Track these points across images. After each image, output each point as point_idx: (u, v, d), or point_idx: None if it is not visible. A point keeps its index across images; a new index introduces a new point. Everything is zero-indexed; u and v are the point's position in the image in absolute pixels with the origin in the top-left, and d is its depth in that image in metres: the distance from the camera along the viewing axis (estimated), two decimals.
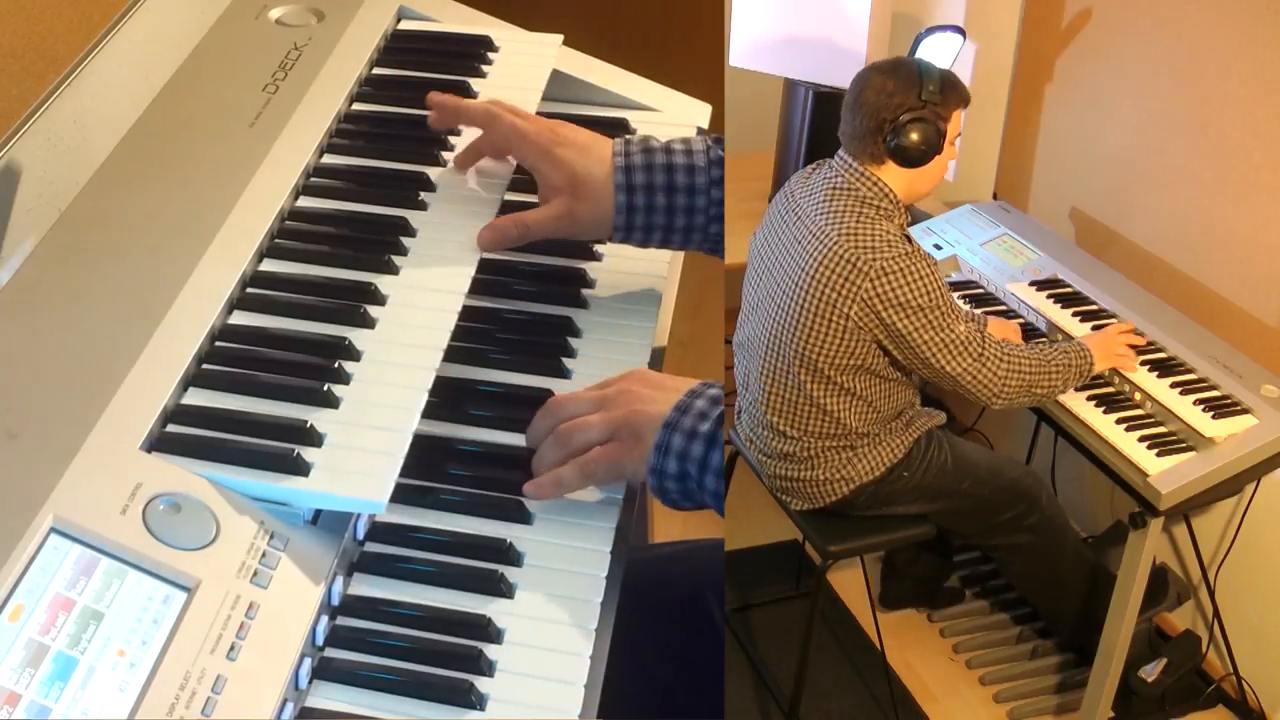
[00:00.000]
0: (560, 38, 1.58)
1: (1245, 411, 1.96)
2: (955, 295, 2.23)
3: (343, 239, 1.28)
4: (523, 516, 1.14)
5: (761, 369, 2.02)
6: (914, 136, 1.87)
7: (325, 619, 1.05)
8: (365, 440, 1.08)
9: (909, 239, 1.91)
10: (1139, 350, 2.09)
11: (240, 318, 1.19)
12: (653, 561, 1.47)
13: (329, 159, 1.38)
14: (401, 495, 1.11)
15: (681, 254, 1.43)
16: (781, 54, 2.56)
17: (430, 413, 1.15)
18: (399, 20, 1.58)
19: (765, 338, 2.00)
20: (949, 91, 1.90)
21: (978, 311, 2.19)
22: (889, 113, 1.87)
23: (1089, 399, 2.03)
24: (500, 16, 1.62)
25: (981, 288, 2.36)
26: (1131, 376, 2.04)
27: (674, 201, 1.28)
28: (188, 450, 1.06)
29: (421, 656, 1.03)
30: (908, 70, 1.89)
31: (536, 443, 1.18)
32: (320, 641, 1.04)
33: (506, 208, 1.34)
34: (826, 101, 2.54)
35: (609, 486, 1.17)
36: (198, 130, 1.35)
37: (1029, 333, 2.20)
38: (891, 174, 1.91)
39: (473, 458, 1.19)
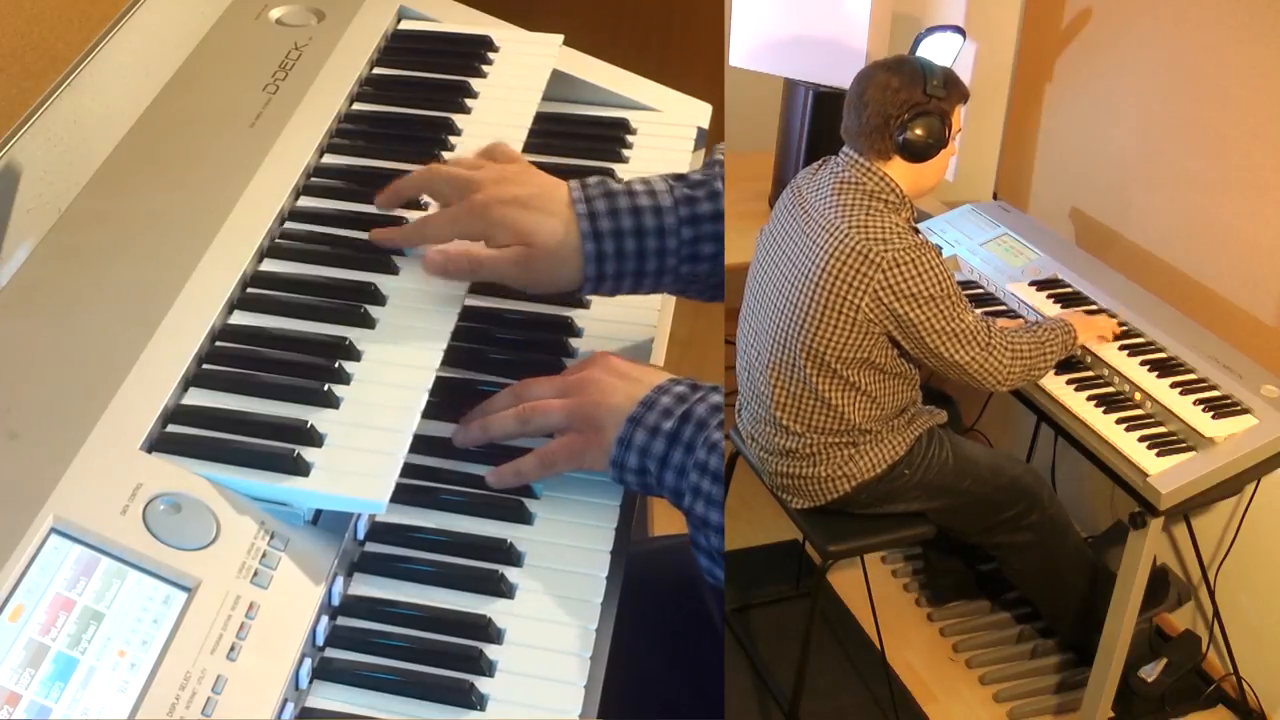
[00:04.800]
0: (560, 38, 1.58)
1: (1245, 411, 1.96)
2: None
3: (343, 239, 1.28)
4: (523, 516, 1.14)
5: (768, 363, 2.02)
6: (922, 131, 1.88)
7: (325, 619, 1.05)
8: (365, 440, 1.08)
9: (916, 231, 1.92)
10: (1137, 349, 2.10)
11: (240, 318, 1.19)
12: (652, 555, 1.47)
13: (329, 159, 1.38)
14: (401, 495, 1.11)
15: None
16: (781, 54, 2.55)
17: (430, 413, 1.15)
18: (399, 20, 1.59)
19: (772, 332, 2.00)
20: (951, 87, 1.91)
21: (981, 312, 2.20)
22: (895, 109, 1.88)
23: (1089, 399, 2.03)
24: (500, 16, 1.62)
25: (981, 288, 2.36)
26: (1131, 376, 2.04)
27: (644, 245, 1.22)
28: (188, 450, 1.06)
29: (421, 656, 1.03)
30: (910, 67, 1.90)
31: (493, 412, 1.19)
32: (320, 641, 1.04)
33: None
34: (826, 101, 2.54)
35: (607, 490, 1.17)
36: (198, 130, 1.35)
37: None
38: (898, 169, 1.92)
39: (473, 458, 1.18)
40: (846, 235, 1.87)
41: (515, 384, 1.21)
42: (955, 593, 2.56)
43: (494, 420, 1.18)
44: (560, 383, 1.19)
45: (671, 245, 1.23)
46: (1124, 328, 2.16)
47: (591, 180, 1.25)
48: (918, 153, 1.90)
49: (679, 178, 1.26)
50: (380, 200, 1.29)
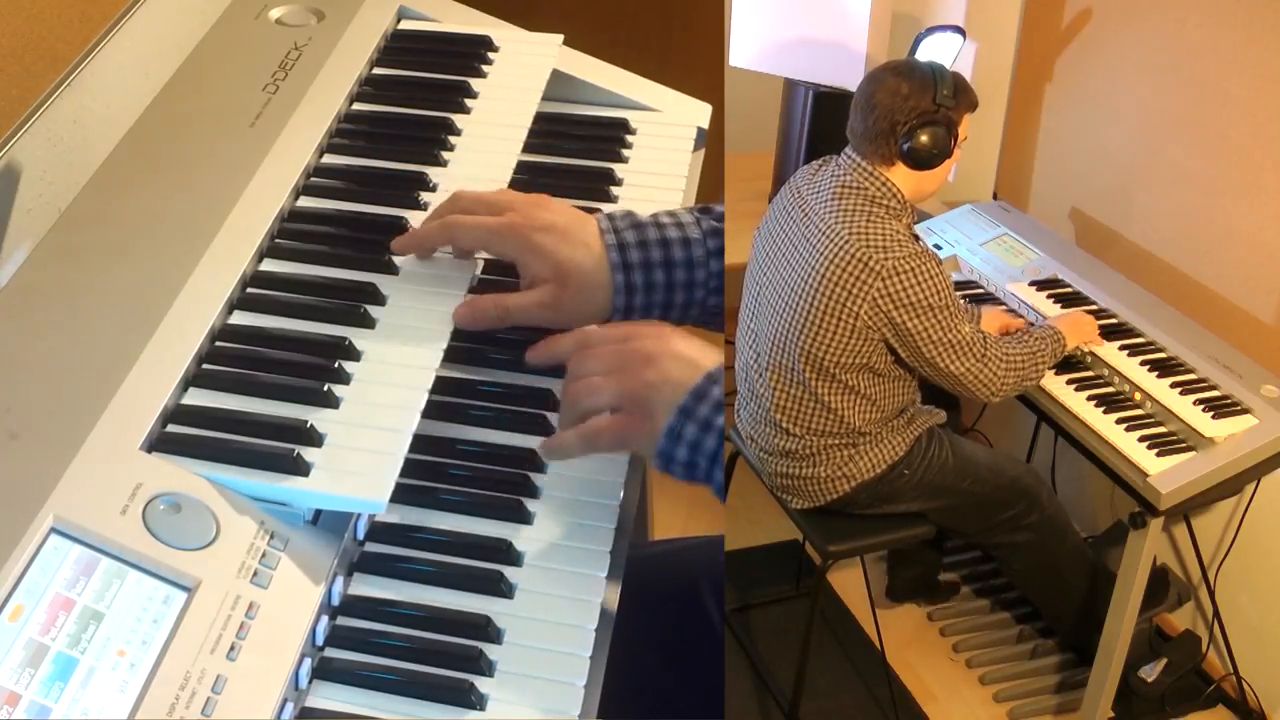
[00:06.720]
0: (560, 38, 1.58)
1: (1245, 411, 1.96)
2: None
3: (343, 239, 1.28)
4: (523, 516, 1.14)
5: (766, 365, 2.02)
6: (928, 140, 1.87)
7: (325, 619, 1.05)
8: (365, 440, 1.08)
9: (916, 238, 1.91)
10: (1137, 349, 2.10)
11: (240, 318, 1.19)
12: (652, 559, 1.47)
13: (329, 159, 1.38)
14: (401, 495, 1.11)
15: None
16: (781, 54, 2.56)
17: (430, 413, 1.15)
18: (399, 20, 1.59)
19: (770, 335, 2.00)
20: (961, 96, 1.90)
21: (973, 306, 2.20)
22: (903, 115, 1.87)
23: (1089, 399, 2.03)
24: (500, 16, 1.62)
25: (981, 288, 2.36)
26: (1131, 376, 2.05)
27: (673, 277, 1.22)
28: (188, 450, 1.06)
29: (421, 656, 1.03)
30: (922, 73, 1.89)
31: (552, 358, 1.18)
32: (320, 641, 1.04)
33: None
34: (826, 101, 2.55)
35: (607, 490, 1.17)
36: (198, 130, 1.35)
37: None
38: (900, 175, 1.91)
39: (473, 457, 1.18)
40: (846, 241, 1.87)
41: (578, 337, 1.17)
42: (913, 592, 2.56)
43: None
44: (614, 353, 1.14)
45: (700, 277, 1.22)
46: (1108, 322, 2.16)
47: (618, 213, 1.24)
48: (922, 160, 1.89)
49: (705, 210, 1.26)
50: (398, 246, 1.26)
